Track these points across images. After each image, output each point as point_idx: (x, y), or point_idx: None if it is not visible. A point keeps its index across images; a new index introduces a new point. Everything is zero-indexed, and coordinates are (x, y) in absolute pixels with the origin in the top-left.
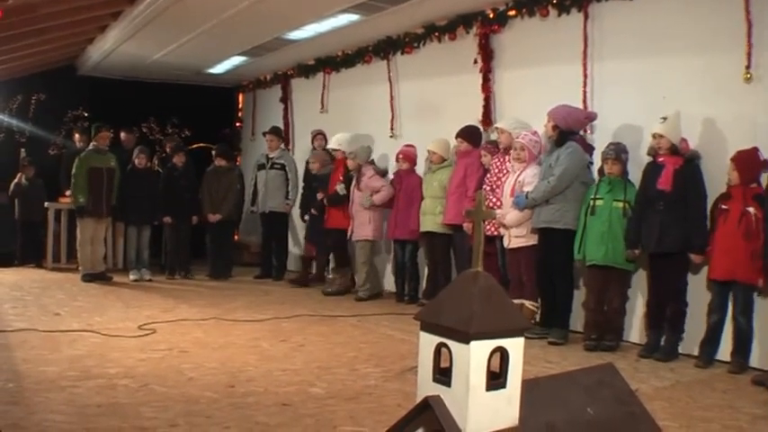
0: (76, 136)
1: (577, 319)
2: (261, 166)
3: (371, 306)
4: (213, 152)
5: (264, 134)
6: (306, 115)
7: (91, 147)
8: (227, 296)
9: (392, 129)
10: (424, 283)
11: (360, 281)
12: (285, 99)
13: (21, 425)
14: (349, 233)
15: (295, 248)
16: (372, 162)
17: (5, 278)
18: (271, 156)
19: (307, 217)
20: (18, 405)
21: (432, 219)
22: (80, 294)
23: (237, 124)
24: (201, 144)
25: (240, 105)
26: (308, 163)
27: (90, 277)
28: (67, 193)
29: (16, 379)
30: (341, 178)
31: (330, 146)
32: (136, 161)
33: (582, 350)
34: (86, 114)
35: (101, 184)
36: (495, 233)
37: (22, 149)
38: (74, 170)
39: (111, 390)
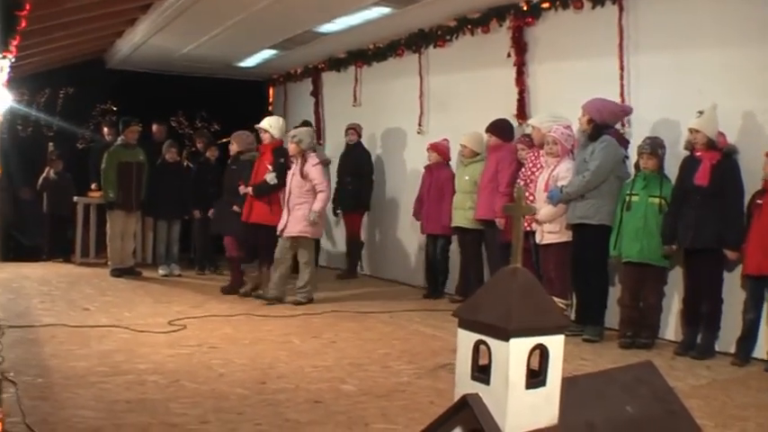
0: (105, 130)
1: (612, 317)
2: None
3: (404, 302)
4: None
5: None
6: (337, 109)
7: (120, 141)
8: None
9: (420, 124)
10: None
11: (301, 282)
12: (316, 93)
13: (49, 420)
14: (280, 227)
15: (328, 243)
16: (315, 150)
17: (33, 273)
18: None
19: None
20: (47, 400)
21: (463, 214)
22: (109, 289)
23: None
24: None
25: (271, 99)
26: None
27: (119, 272)
28: (94, 186)
29: (45, 374)
30: (269, 167)
31: (261, 125)
32: (166, 155)
33: (617, 348)
34: (114, 108)
35: (130, 179)
36: (529, 228)
37: (51, 143)
38: (103, 165)
39: (140, 386)
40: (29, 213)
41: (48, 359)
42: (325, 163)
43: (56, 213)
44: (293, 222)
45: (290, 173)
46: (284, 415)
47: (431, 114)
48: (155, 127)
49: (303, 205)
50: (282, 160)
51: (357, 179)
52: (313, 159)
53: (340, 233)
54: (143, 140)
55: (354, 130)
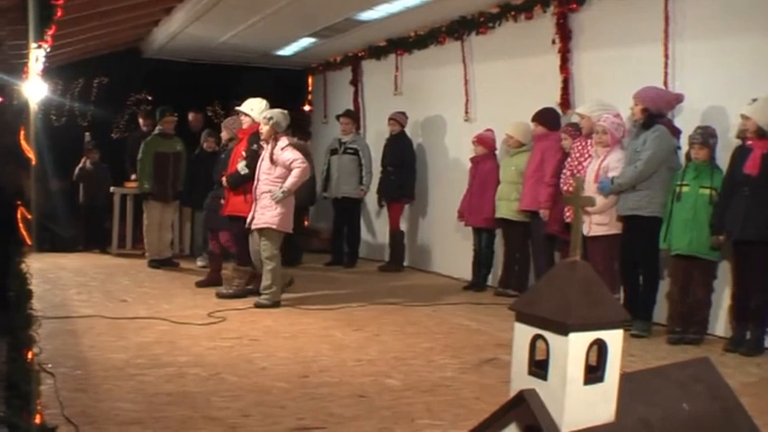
0: (140, 120)
1: (660, 311)
2: (333, 151)
3: (447, 295)
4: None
5: (339, 117)
6: (377, 98)
7: (156, 131)
8: (297, 283)
9: (466, 112)
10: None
11: (265, 281)
12: (356, 81)
13: (89, 413)
14: (248, 220)
15: (368, 236)
16: (289, 133)
17: (69, 263)
18: (344, 140)
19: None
20: (86, 392)
21: (507, 205)
22: (146, 281)
23: (307, 107)
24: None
25: (310, 88)
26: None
27: (156, 263)
28: (132, 177)
29: (83, 366)
30: (243, 153)
31: (241, 108)
32: (204, 144)
33: (665, 343)
34: (149, 98)
35: (167, 169)
36: None
37: (87, 133)
38: (140, 155)
39: (180, 378)
40: (64, 204)
41: (86, 351)
42: (300, 147)
43: (92, 204)
44: (258, 213)
45: (260, 158)
46: (327, 409)
47: (476, 102)
48: (191, 116)
49: (270, 194)
50: (255, 147)
51: (400, 169)
52: (283, 142)
53: (381, 224)
54: (180, 129)
55: (396, 120)
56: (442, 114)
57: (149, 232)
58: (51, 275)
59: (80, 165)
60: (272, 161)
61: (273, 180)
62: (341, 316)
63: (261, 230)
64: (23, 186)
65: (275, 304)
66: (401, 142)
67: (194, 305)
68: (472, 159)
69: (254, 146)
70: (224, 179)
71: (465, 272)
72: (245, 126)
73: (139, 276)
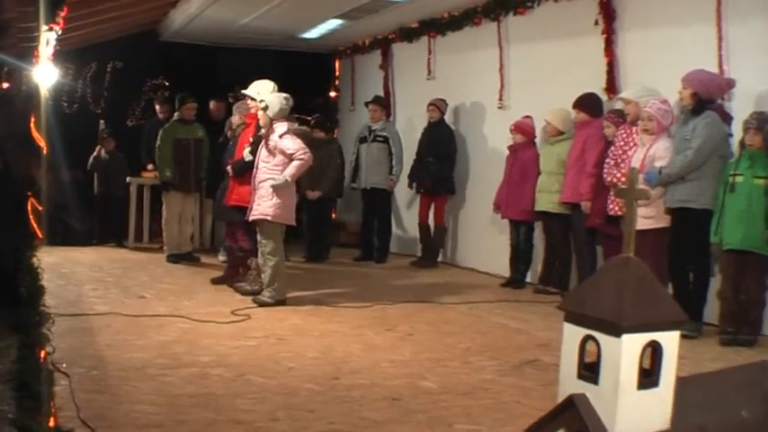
0: (157, 106)
1: (711, 310)
2: (362, 139)
3: (483, 292)
4: (310, 123)
5: (367, 104)
6: (409, 83)
7: (175, 117)
8: (325, 280)
9: (500, 98)
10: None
11: (265, 278)
12: (386, 65)
13: (107, 416)
14: (248, 212)
15: (398, 230)
16: (290, 119)
17: (84, 257)
18: (373, 127)
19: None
20: (103, 394)
21: (548, 197)
22: (165, 276)
23: (333, 93)
24: (295, 115)
25: (337, 73)
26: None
27: (176, 258)
28: (149, 167)
29: (101, 366)
30: (250, 139)
31: (247, 92)
32: (228, 132)
33: (716, 344)
34: (166, 83)
35: (188, 157)
36: (620, 212)
37: (101, 121)
38: (158, 142)
39: (203, 379)
40: (78, 195)
41: (102, 350)
42: (301, 134)
43: (107, 195)
44: (255, 203)
45: (260, 146)
46: (359, 413)
47: (512, 88)
48: (212, 104)
49: (268, 182)
50: (263, 132)
51: (440, 159)
52: (281, 128)
53: (412, 216)
54: (201, 119)
55: (437, 106)
56: (479, 100)
57: (169, 225)
58: (65, 270)
59: (94, 154)
60: (269, 150)
61: (271, 168)
62: (372, 314)
63: (257, 223)
64: (34, 176)
65: (279, 302)
66: (442, 130)
67: (217, 302)
68: (510, 148)
69: (262, 131)
70: (229, 167)
71: (502, 268)
72: (252, 111)
73: (158, 272)
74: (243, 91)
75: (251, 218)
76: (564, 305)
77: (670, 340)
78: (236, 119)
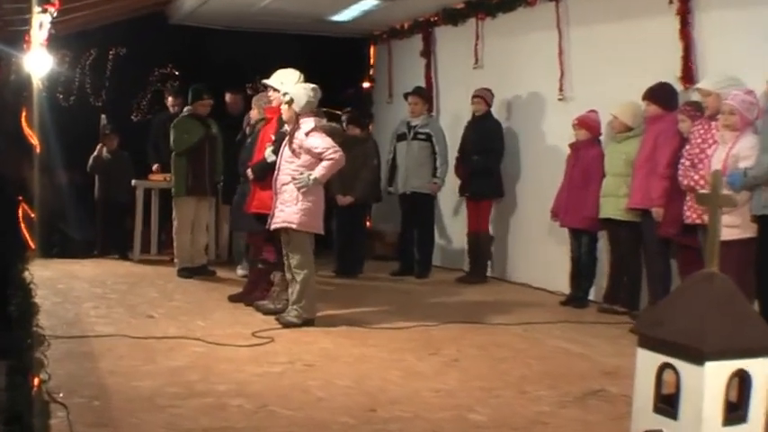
0: (169, 98)
1: None
2: (401, 137)
3: (539, 311)
4: (342, 119)
5: (406, 96)
6: (453, 72)
7: (186, 111)
8: (358, 297)
9: (561, 89)
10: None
11: (294, 295)
12: (428, 52)
13: None
14: (270, 220)
15: (442, 238)
16: (318, 114)
17: (84, 271)
18: (413, 123)
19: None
20: (106, 427)
21: (614, 202)
22: (176, 292)
23: (367, 84)
24: (324, 109)
25: (372, 61)
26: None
27: (188, 272)
28: (155, 167)
29: (103, 395)
30: (272, 137)
31: (269, 82)
32: (247, 129)
33: None
34: (176, 73)
35: (201, 157)
36: (699, 221)
37: (103, 115)
38: (172, 137)
39: (220, 411)
40: (77, 200)
41: (105, 377)
42: (329, 131)
43: (110, 200)
44: (278, 210)
45: (283, 145)
46: None
47: (574, 78)
48: (228, 96)
49: (291, 185)
50: (286, 128)
51: (486, 158)
52: (307, 125)
53: (459, 225)
54: (215, 114)
55: (482, 98)
56: (534, 91)
57: (180, 234)
58: (61, 286)
59: (95, 153)
60: (293, 149)
61: (295, 170)
62: (413, 336)
63: (282, 232)
64: (26, 179)
65: (307, 323)
66: (488, 125)
67: (235, 322)
68: (571, 146)
69: (286, 128)
70: (249, 169)
71: (561, 284)
72: (274, 104)
73: (168, 287)
74: (264, 81)
75: (273, 226)
76: (637, 328)
77: (760, 369)
78: (255, 113)
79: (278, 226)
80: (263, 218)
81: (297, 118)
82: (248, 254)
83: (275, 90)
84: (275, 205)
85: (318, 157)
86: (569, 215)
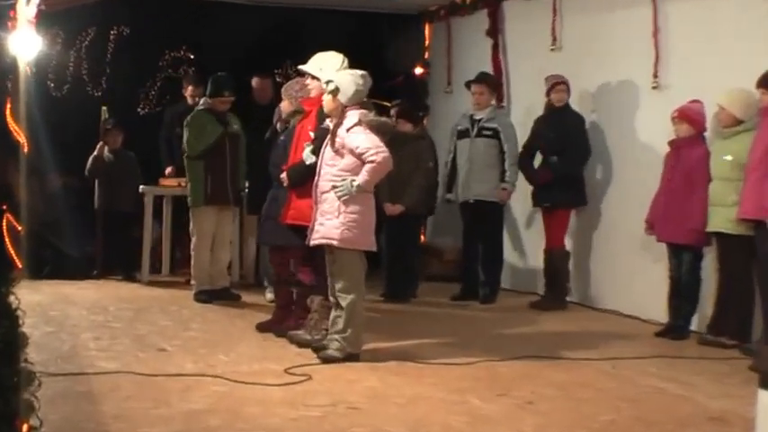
0: (189, 88)
1: None
2: (462, 133)
3: (630, 343)
4: (391, 112)
5: (469, 84)
6: (527, 55)
7: (202, 105)
8: (412, 326)
9: (655, 75)
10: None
11: (339, 324)
12: (495, 31)
13: None
14: (309, 233)
15: (513, 256)
16: (367, 106)
17: (82, 295)
18: (477, 117)
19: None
20: None
21: (723, 212)
22: (194, 320)
23: (421, 69)
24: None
25: (427, 42)
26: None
27: (208, 296)
28: (168, 170)
29: None
30: (311, 135)
31: (306, 68)
32: (278, 125)
33: None
34: (191, 56)
35: (221, 159)
36: None
37: (104, 107)
38: (186, 135)
39: None
40: (74, 209)
41: (108, 422)
42: (378, 126)
43: (113, 209)
44: (317, 222)
45: (324, 143)
46: None
47: (671, 61)
48: (256, 81)
49: (332, 196)
50: (328, 124)
51: (566, 158)
52: (351, 119)
53: (532, 239)
54: (238, 103)
55: (564, 84)
56: (621, 79)
57: (198, 251)
58: (55, 313)
59: (94, 153)
60: (335, 148)
61: (338, 175)
62: (478, 374)
63: (326, 249)
64: (10, 184)
65: (351, 357)
66: (567, 118)
67: (264, 356)
68: (671, 144)
69: (327, 123)
70: (284, 173)
71: (657, 310)
72: (312, 94)
73: (183, 314)
74: (300, 67)
75: (312, 242)
76: (758, 365)
77: None
78: (285, 106)
79: (317, 242)
80: (302, 230)
81: (343, 111)
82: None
83: (313, 77)
84: (315, 217)
85: (360, 159)
86: (668, 227)
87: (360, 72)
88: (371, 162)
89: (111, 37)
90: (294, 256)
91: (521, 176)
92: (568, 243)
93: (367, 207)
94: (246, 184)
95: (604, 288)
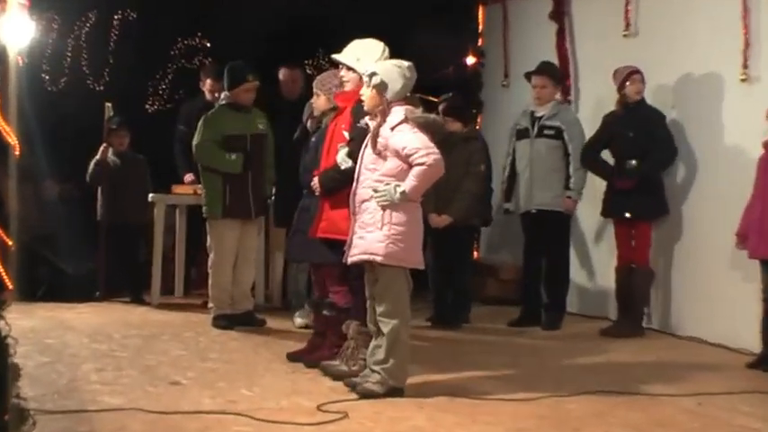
0: (207, 82)
1: None
2: (522, 133)
3: (718, 377)
4: (439, 110)
5: (530, 76)
6: (595, 42)
7: (223, 100)
8: (464, 356)
9: (745, 66)
10: None
11: (379, 354)
12: (559, 14)
13: None
14: (347, 248)
15: (581, 274)
16: (413, 101)
17: (82, 320)
18: (540, 114)
19: None
20: None
21: None
22: (212, 349)
23: (473, 59)
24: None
25: (480, 27)
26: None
27: (228, 321)
28: (187, 177)
29: None
30: (346, 135)
31: (341, 57)
32: (309, 123)
33: None
34: (208, 44)
35: (246, 163)
36: None
37: (108, 104)
38: (197, 139)
39: None
40: (73, 222)
41: None
42: (428, 124)
43: (118, 222)
44: (357, 236)
45: (364, 145)
46: None
47: (763, 49)
48: (284, 73)
49: (373, 207)
50: (366, 122)
51: (649, 160)
52: (396, 116)
53: (603, 255)
54: (263, 99)
55: (640, 74)
56: (706, 70)
57: (217, 269)
58: (51, 341)
59: (97, 157)
60: (376, 149)
61: (379, 180)
62: (541, 411)
63: (366, 267)
64: (0, 191)
65: (394, 392)
66: (646, 114)
67: (294, 391)
68: (766, 145)
69: (365, 121)
70: (315, 180)
71: (748, 338)
72: (348, 87)
73: (200, 342)
74: (334, 56)
75: (351, 259)
76: None
77: None
78: (323, 102)
79: (357, 259)
80: (337, 245)
81: (387, 107)
82: (311, 296)
83: (349, 69)
84: (353, 230)
85: (407, 161)
86: (763, 241)
87: (405, 63)
88: (420, 165)
89: (115, 22)
90: (328, 274)
91: (589, 181)
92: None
93: (414, 218)
94: (273, 192)
95: (687, 312)
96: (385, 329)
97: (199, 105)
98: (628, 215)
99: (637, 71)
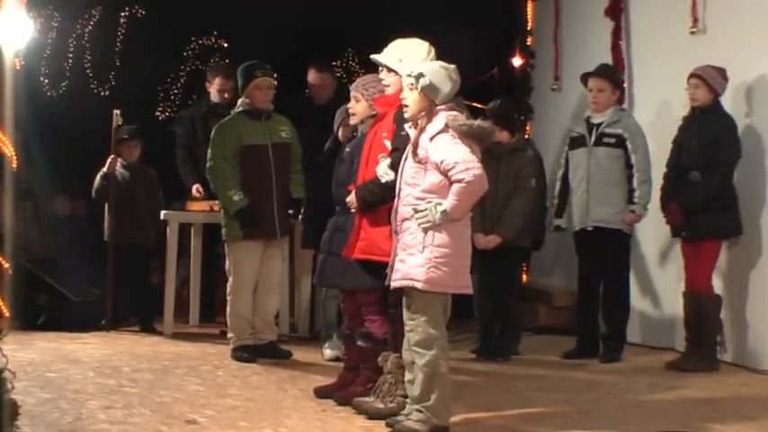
0: (216, 81)
1: None
2: (577, 142)
3: None
4: (485, 117)
5: (585, 78)
6: (658, 40)
7: (240, 106)
8: (514, 392)
9: None
10: None
11: (416, 390)
12: (617, 10)
13: None
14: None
15: (643, 301)
16: (458, 105)
17: (87, 352)
18: (597, 121)
19: None
20: None
21: None
22: (232, 385)
23: (520, 60)
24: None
25: (529, 24)
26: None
27: (250, 353)
28: (195, 190)
29: None
30: (388, 145)
31: (381, 59)
32: (340, 132)
33: None
34: (225, 44)
35: (267, 177)
36: None
37: (116, 111)
38: (210, 150)
39: None
40: (78, 242)
41: None
42: (475, 132)
43: (128, 241)
44: (398, 259)
45: (404, 156)
46: None
47: None
48: (313, 75)
49: (415, 227)
50: (409, 131)
51: (712, 173)
52: (437, 123)
53: (669, 279)
54: (285, 102)
55: (703, 79)
56: None
57: (237, 295)
58: (53, 374)
59: (104, 170)
60: (416, 158)
61: (420, 197)
62: None
63: (404, 293)
64: None
65: (438, 431)
66: (714, 123)
67: (324, 430)
68: None
69: (408, 129)
70: (351, 195)
71: None
72: (389, 91)
73: (219, 376)
74: (373, 57)
75: (394, 284)
76: None
77: None
78: (363, 109)
79: (400, 284)
80: (374, 268)
81: (432, 112)
82: (342, 325)
83: (390, 71)
84: (395, 252)
85: (446, 175)
86: None
87: (451, 66)
88: (458, 182)
89: (122, 21)
90: (365, 301)
91: (654, 196)
92: (717, 284)
93: (460, 239)
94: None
95: (765, 343)
96: (420, 361)
97: (202, 109)
98: (690, 234)
99: (692, 74)
